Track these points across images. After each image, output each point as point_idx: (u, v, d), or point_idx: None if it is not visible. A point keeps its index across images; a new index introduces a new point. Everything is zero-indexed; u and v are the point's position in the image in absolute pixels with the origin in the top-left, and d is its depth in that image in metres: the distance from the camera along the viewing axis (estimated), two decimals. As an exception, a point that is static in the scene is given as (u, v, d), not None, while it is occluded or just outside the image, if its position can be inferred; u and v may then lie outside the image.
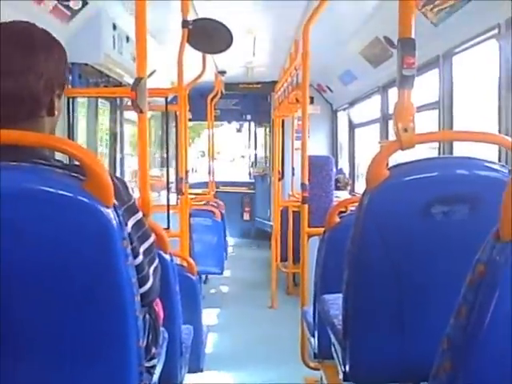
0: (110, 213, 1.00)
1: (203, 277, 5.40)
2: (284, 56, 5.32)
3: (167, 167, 3.78)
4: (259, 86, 7.40)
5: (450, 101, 3.36)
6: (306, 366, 2.85)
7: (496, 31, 2.69)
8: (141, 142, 2.01)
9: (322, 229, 2.29)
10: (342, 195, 5.20)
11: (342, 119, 7.08)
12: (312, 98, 6.19)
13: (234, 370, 3.49)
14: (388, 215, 1.34)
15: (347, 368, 1.45)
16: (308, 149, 3.03)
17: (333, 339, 1.64)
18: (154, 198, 5.15)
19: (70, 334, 1.01)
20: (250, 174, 9.05)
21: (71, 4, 3.03)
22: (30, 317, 1.00)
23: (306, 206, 2.95)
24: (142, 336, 1.10)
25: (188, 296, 2.07)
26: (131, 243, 1.08)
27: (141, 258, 1.15)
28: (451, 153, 3.27)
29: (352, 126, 6.57)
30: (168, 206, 3.26)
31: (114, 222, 1.00)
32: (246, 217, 8.49)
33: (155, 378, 1.32)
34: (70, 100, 3.38)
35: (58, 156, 1.19)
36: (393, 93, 4.75)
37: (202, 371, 2.32)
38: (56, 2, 2.86)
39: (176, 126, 5.75)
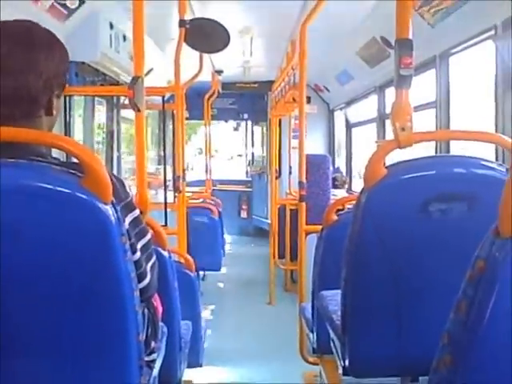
0: (108, 209, 1.00)
1: (201, 274, 5.41)
2: (281, 56, 5.33)
3: (164, 165, 3.79)
4: (256, 85, 7.41)
5: (446, 101, 3.37)
6: (305, 361, 2.86)
7: (492, 32, 2.71)
8: (138, 141, 2.02)
9: (320, 226, 2.30)
10: (339, 193, 5.22)
11: (340, 119, 7.10)
12: (309, 98, 6.20)
13: (233, 365, 3.50)
14: (385, 213, 1.36)
15: (346, 362, 1.47)
16: (305, 148, 3.05)
17: (332, 334, 1.65)
18: (151, 196, 5.15)
19: (70, 329, 1.02)
20: (247, 172, 9.07)
21: (68, 3, 3.03)
22: (30, 313, 1.01)
23: (304, 203, 2.96)
24: (141, 330, 1.12)
25: (186, 292, 2.08)
26: (129, 240, 1.09)
27: (138, 254, 1.16)
28: (448, 152, 3.29)
29: (349, 126, 6.59)
30: (165, 203, 3.27)
31: (113, 218, 1.01)
32: (244, 215, 8.51)
33: (155, 372, 1.33)
34: (67, 98, 3.38)
35: (55, 154, 1.20)
36: (389, 93, 4.77)
37: (201, 366, 2.33)
38: (53, 1, 2.86)
39: (173, 125, 5.76)
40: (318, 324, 2.11)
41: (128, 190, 1.19)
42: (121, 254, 1.02)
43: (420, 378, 1.51)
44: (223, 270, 5.61)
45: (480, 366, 0.71)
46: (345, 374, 1.52)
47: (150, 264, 1.23)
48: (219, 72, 6.15)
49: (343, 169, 6.49)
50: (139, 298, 1.10)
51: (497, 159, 2.60)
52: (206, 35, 3.13)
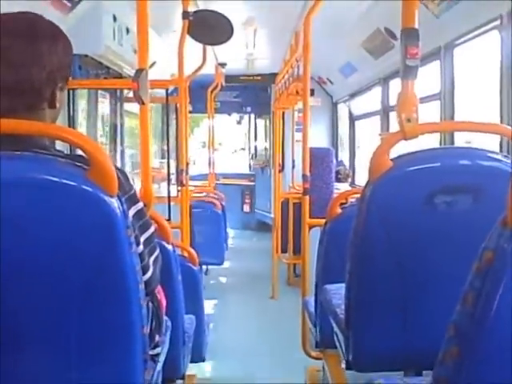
0: (114, 202, 1.00)
1: (204, 268, 5.42)
2: (284, 48, 5.31)
3: (168, 159, 3.78)
4: (259, 77, 7.39)
5: (451, 92, 3.35)
6: (308, 356, 2.86)
7: (498, 22, 2.68)
8: (143, 134, 2.01)
9: (323, 220, 2.30)
10: (343, 187, 5.21)
11: (343, 111, 7.08)
12: (312, 90, 6.18)
13: (236, 359, 3.51)
14: (391, 206, 1.35)
15: (350, 357, 1.46)
16: (309, 141, 3.04)
17: (335, 328, 1.65)
18: (154, 189, 5.15)
19: (75, 322, 1.02)
20: (250, 166, 9.06)
21: (71, -5, 3.02)
22: (35, 306, 1.01)
23: (307, 197, 2.95)
24: (146, 323, 1.12)
25: (190, 286, 2.07)
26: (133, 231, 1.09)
27: (141, 247, 1.16)
28: (452, 144, 3.27)
29: (352, 118, 6.57)
30: (169, 197, 3.27)
31: (118, 210, 1.01)
32: (246, 209, 8.51)
33: (159, 366, 1.33)
34: (71, 92, 3.37)
35: (58, 147, 1.20)
36: (394, 85, 4.74)
37: (204, 361, 2.34)
38: (56, -8, 2.85)
39: (176, 118, 5.75)
40: (321, 318, 2.11)
41: (132, 182, 1.19)
42: (126, 246, 1.01)
43: (423, 372, 1.51)
44: (226, 264, 5.61)
45: (487, 358, 0.70)
46: (348, 368, 1.52)
47: (152, 257, 1.23)
48: (222, 65, 6.13)
49: (346, 162, 6.47)
50: (144, 290, 1.10)
51: (501, 150, 2.59)
52: (209, 27, 3.12)
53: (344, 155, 6.92)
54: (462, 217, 1.35)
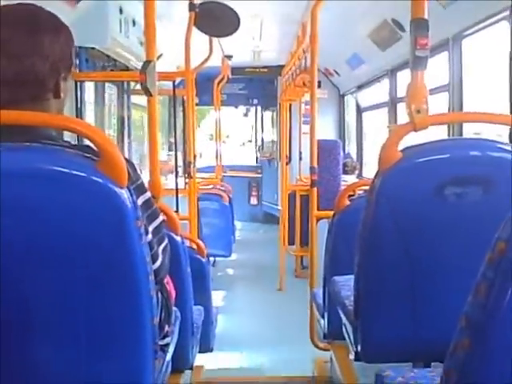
0: (123, 193, 1.00)
1: (211, 260, 5.43)
2: (291, 39, 5.28)
3: (175, 151, 3.79)
4: (266, 70, 7.37)
5: (459, 84, 3.33)
6: (316, 347, 2.87)
7: (507, 13, 2.66)
8: (151, 126, 2.02)
9: (331, 212, 2.29)
10: (350, 179, 5.20)
11: (350, 103, 7.05)
12: (319, 82, 6.14)
13: (244, 350, 3.52)
14: (400, 197, 1.34)
15: (359, 348, 1.46)
16: (316, 133, 3.03)
17: (344, 320, 1.65)
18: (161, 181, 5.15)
19: (85, 312, 1.03)
20: (256, 158, 9.05)
21: (78, -13, 3.02)
22: (45, 296, 1.02)
23: (315, 189, 2.95)
24: (156, 314, 1.12)
25: (198, 277, 2.08)
26: None
27: (150, 236, 1.16)
28: (461, 136, 3.25)
29: (360, 110, 6.54)
30: (177, 189, 3.27)
31: (128, 202, 1.01)
32: (253, 201, 8.51)
33: (169, 356, 1.34)
34: (78, 84, 3.38)
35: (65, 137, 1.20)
36: (401, 76, 4.72)
37: (212, 351, 2.35)
38: (63, -15, 2.84)
39: (183, 111, 5.74)
40: (329, 310, 2.11)
41: (139, 172, 1.19)
42: (136, 237, 1.02)
43: (432, 363, 1.51)
44: (233, 256, 5.62)
45: (499, 349, 0.70)
46: (357, 359, 1.52)
47: (161, 247, 1.23)
48: (229, 57, 6.11)
49: (354, 154, 6.45)
50: (154, 281, 1.10)
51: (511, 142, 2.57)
52: (215, 19, 3.11)
53: (351, 147, 6.90)
54: (471, 208, 1.34)
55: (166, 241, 1.28)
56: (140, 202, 1.14)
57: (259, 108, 8.88)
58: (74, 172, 0.98)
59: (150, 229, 1.18)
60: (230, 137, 12.89)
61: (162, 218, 1.27)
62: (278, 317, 4.17)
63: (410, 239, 1.35)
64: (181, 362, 1.76)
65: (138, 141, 5.99)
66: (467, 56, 3.34)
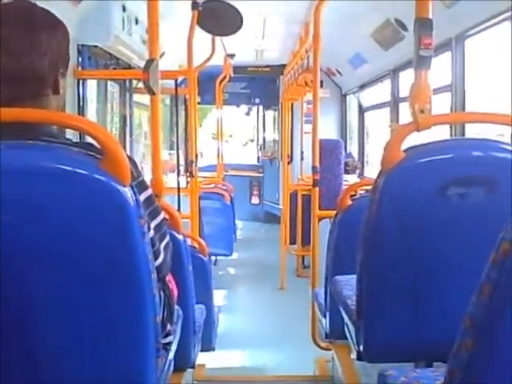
0: (126, 191, 1.00)
1: (212, 259, 5.43)
2: (293, 39, 5.28)
3: (177, 150, 3.79)
4: (268, 69, 7.37)
5: (462, 84, 3.33)
6: (317, 347, 2.87)
7: (509, 13, 2.65)
8: (153, 125, 2.02)
9: (333, 211, 2.29)
10: (351, 179, 5.20)
11: (352, 102, 7.04)
12: (321, 82, 6.15)
13: (245, 349, 3.53)
14: (403, 197, 1.34)
15: (361, 347, 1.46)
16: (318, 132, 3.03)
17: (346, 319, 1.65)
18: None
19: (88, 311, 1.03)
20: (258, 157, 9.05)
21: (81, -15, 3.01)
22: (48, 294, 1.02)
23: (317, 188, 2.95)
24: (158, 312, 1.12)
25: (199, 276, 2.08)
26: None
27: (152, 233, 1.16)
28: (463, 136, 3.25)
29: (361, 110, 6.54)
30: (178, 188, 3.28)
31: (131, 200, 1.01)
32: (255, 200, 8.51)
33: (171, 355, 1.34)
34: (81, 82, 3.38)
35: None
36: (403, 76, 4.71)
37: (213, 350, 2.35)
38: (66, -18, 2.84)
39: (185, 110, 5.74)
40: (330, 309, 2.11)
41: (140, 168, 1.19)
42: (139, 236, 1.02)
43: (434, 363, 1.51)
44: (234, 255, 5.62)
45: (503, 350, 0.70)
46: (359, 358, 1.52)
47: (163, 243, 1.24)
48: (231, 56, 6.11)
49: (355, 154, 6.45)
50: (156, 279, 1.10)
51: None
52: (218, 18, 3.11)
53: (353, 147, 6.90)
54: (474, 208, 1.34)
55: (167, 237, 1.28)
56: (142, 198, 1.14)
57: (261, 107, 8.87)
58: (77, 170, 0.98)
59: (152, 225, 1.19)
60: (234, 136, 12.87)
61: (163, 215, 1.27)
62: (279, 316, 4.17)
63: (413, 239, 1.35)
64: (183, 361, 1.75)
65: (136, 140, 5.98)
66: (470, 56, 3.34)
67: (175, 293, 1.43)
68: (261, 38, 5.53)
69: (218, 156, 6.15)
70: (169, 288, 1.37)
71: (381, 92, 5.52)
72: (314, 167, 2.94)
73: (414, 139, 1.41)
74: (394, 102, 4.91)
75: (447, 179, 1.33)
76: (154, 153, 2.03)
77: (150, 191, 1.21)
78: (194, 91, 3.34)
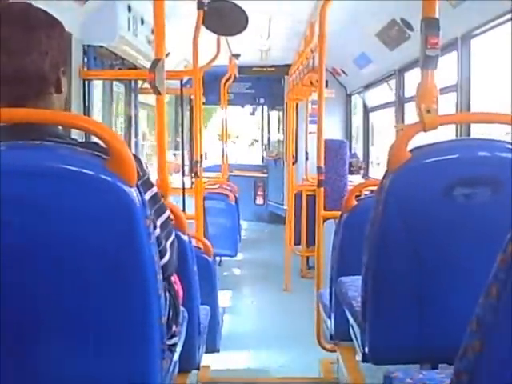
0: (133, 192, 1.00)
1: (217, 259, 5.43)
2: (298, 39, 5.27)
3: (182, 151, 3.79)
4: (273, 69, 7.37)
5: (468, 84, 3.31)
6: (322, 348, 2.86)
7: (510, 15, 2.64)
8: (159, 125, 2.02)
9: (338, 212, 2.28)
10: (355, 179, 5.19)
11: (358, 102, 7.02)
12: (326, 82, 6.14)
13: (250, 351, 3.52)
14: (409, 197, 1.34)
15: (366, 349, 1.46)
16: (323, 132, 3.02)
17: (351, 321, 1.64)
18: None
19: (94, 311, 1.03)
20: (262, 158, 9.04)
21: (86, -15, 3.02)
22: (54, 294, 1.02)
23: (322, 189, 2.94)
24: (164, 313, 1.12)
25: (204, 277, 2.08)
26: None
27: (158, 231, 1.17)
28: (469, 136, 3.23)
29: (367, 110, 6.52)
30: (183, 188, 3.28)
31: (137, 200, 1.01)
32: (259, 201, 8.50)
33: (176, 356, 1.34)
34: (86, 82, 3.38)
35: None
36: (409, 76, 4.70)
37: (218, 351, 2.34)
38: (72, -17, 2.85)
39: (190, 110, 5.74)
40: (335, 310, 2.10)
41: (145, 167, 1.19)
42: (145, 237, 1.02)
43: (439, 365, 1.50)
44: (239, 256, 5.62)
45: (510, 352, 0.69)
46: (364, 360, 1.51)
47: (169, 241, 1.24)
48: (236, 56, 6.11)
49: (360, 154, 6.44)
50: (162, 280, 1.10)
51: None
52: (224, 18, 3.11)
53: (358, 147, 6.88)
54: (480, 209, 1.33)
55: (173, 235, 1.28)
56: (147, 197, 1.14)
57: (266, 107, 8.87)
58: (83, 170, 0.98)
59: (158, 223, 1.19)
60: (240, 137, 12.87)
61: (168, 212, 1.28)
62: (283, 317, 4.16)
63: (419, 240, 1.35)
64: (188, 362, 1.75)
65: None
66: (476, 56, 3.32)
67: (180, 294, 1.43)
68: (266, 37, 5.52)
69: (223, 156, 6.15)
70: (174, 289, 1.37)
71: (386, 92, 5.50)
72: (318, 167, 2.94)
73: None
74: (400, 102, 4.90)
75: (453, 179, 1.32)
76: (159, 153, 2.03)
77: (155, 189, 1.21)
78: (199, 91, 3.34)
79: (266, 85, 8.07)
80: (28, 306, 1.01)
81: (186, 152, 5.74)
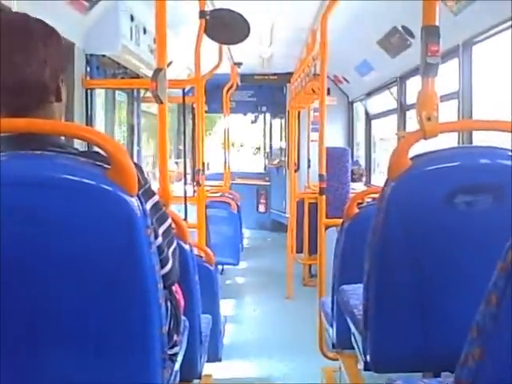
0: (133, 201, 1.00)
1: (219, 268, 5.42)
2: (300, 46, 5.29)
3: (184, 159, 3.80)
4: (275, 77, 7.39)
5: (469, 91, 3.32)
6: (324, 357, 2.85)
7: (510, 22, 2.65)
8: (160, 134, 2.02)
9: (340, 220, 2.28)
10: (357, 187, 5.18)
11: (359, 110, 7.03)
12: (328, 89, 6.16)
13: (252, 360, 3.51)
14: (410, 205, 1.33)
15: (368, 357, 1.45)
16: (325, 140, 3.02)
17: (353, 329, 1.64)
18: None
19: (94, 320, 1.02)
20: (265, 166, 9.05)
21: (89, -5, 3.04)
22: (55, 304, 1.02)
23: (324, 197, 2.94)
24: (165, 323, 1.12)
25: (206, 286, 2.07)
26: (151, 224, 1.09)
27: (160, 239, 1.17)
28: (471, 143, 3.23)
29: (369, 118, 6.53)
30: (185, 197, 3.28)
31: (138, 210, 1.01)
32: (262, 209, 8.50)
33: (177, 366, 1.33)
34: (89, 91, 3.40)
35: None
36: (411, 83, 4.71)
37: (220, 361, 2.33)
38: (74, -7, 2.87)
39: (193, 118, 5.76)
40: (337, 319, 2.09)
41: (146, 175, 1.20)
42: (145, 246, 1.02)
43: (442, 373, 1.49)
44: (241, 264, 5.61)
45: (510, 359, 0.69)
46: (366, 369, 1.51)
47: (171, 249, 1.24)
48: (238, 64, 6.13)
49: (362, 162, 6.44)
50: (163, 290, 1.10)
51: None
52: (226, 27, 3.12)
53: (360, 154, 6.89)
54: (482, 216, 1.33)
55: (175, 243, 1.28)
56: (149, 206, 1.15)
57: (268, 115, 8.88)
58: (84, 180, 0.99)
59: (160, 231, 1.19)
60: (244, 145, 12.90)
61: (170, 220, 1.28)
62: (286, 326, 4.15)
63: (420, 247, 1.34)
64: (189, 372, 1.74)
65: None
66: (477, 63, 3.33)
67: (182, 303, 1.43)
68: (268, 45, 5.55)
69: (225, 164, 6.16)
70: (175, 298, 1.37)
71: (388, 100, 5.51)
72: (320, 175, 2.94)
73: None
74: (401, 110, 4.90)
75: (454, 187, 1.32)
76: (161, 162, 2.04)
77: (156, 197, 1.21)
78: (201, 100, 3.35)
79: (268, 93, 8.09)
80: (30, 315, 1.01)
81: (188, 160, 5.77)
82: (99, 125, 3.97)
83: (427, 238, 1.34)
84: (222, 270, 5.74)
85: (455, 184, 1.32)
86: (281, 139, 8.83)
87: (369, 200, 2.79)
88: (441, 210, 1.32)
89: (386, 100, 5.64)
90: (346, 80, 6.71)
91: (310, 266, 5.43)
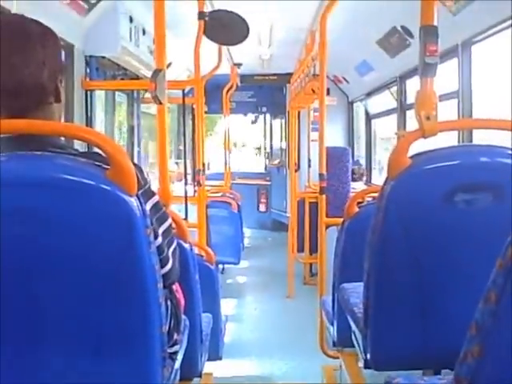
0: (133, 201, 1.01)
1: (220, 267, 5.43)
2: (300, 47, 5.30)
3: (184, 159, 3.80)
4: (275, 77, 7.39)
5: (469, 90, 3.32)
6: (325, 355, 2.85)
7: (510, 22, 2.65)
8: (160, 134, 2.03)
9: (340, 219, 2.28)
10: (358, 186, 5.19)
11: (360, 110, 7.04)
12: (328, 90, 6.16)
13: (252, 358, 3.51)
14: (410, 204, 1.34)
15: (368, 355, 1.45)
16: (325, 140, 3.03)
17: (353, 327, 1.64)
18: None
19: (95, 320, 1.03)
20: (265, 166, 9.06)
21: (88, -3, 3.05)
22: (55, 304, 1.02)
23: (324, 196, 2.94)
24: (165, 322, 1.12)
25: (207, 285, 2.08)
26: (151, 224, 1.10)
27: (160, 239, 1.17)
28: (471, 142, 3.24)
29: (369, 117, 6.53)
30: (186, 197, 3.28)
31: (138, 210, 1.01)
32: (262, 208, 8.51)
33: (177, 364, 1.34)
34: (88, 93, 3.40)
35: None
36: (410, 83, 4.71)
37: (220, 359, 2.34)
38: (73, -6, 2.87)
39: (193, 119, 5.76)
40: (338, 317, 2.10)
41: (146, 176, 1.20)
42: (145, 246, 1.02)
43: (442, 371, 1.49)
44: (242, 263, 5.62)
45: (510, 357, 0.69)
46: (366, 367, 1.51)
47: (171, 249, 1.24)
48: (238, 65, 6.14)
49: (363, 161, 6.44)
50: (163, 289, 1.10)
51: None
52: (225, 28, 3.12)
53: (361, 154, 6.89)
54: (481, 215, 1.33)
55: (175, 243, 1.29)
56: (149, 206, 1.15)
57: (268, 116, 8.89)
58: (84, 180, 0.99)
59: (160, 231, 1.19)
60: (246, 146, 12.90)
61: (170, 220, 1.28)
62: (286, 324, 4.16)
63: (420, 246, 1.34)
64: (189, 370, 1.75)
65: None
66: (477, 62, 3.33)
67: (182, 302, 1.43)
68: (267, 46, 5.55)
69: (226, 164, 6.17)
70: (176, 297, 1.37)
71: (388, 100, 5.52)
72: (321, 175, 2.94)
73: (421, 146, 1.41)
74: (401, 109, 4.91)
75: (454, 186, 1.32)
76: (160, 162, 2.04)
77: (156, 197, 1.22)
78: (201, 100, 3.36)
79: (268, 93, 8.10)
80: (29, 314, 1.02)
81: (188, 160, 5.78)
82: (99, 126, 3.97)
83: (427, 237, 1.35)
84: (223, 269, 5.74)
85: (455, 182, 1.33)
86: (281, 139, 8.84)
87: (369, 199, 2.80)
88: (440, 208, 1.32)
89: (386, 100, 5.64)
90: (345, 80, 6.72)
91: (310, 264, 5.44)
